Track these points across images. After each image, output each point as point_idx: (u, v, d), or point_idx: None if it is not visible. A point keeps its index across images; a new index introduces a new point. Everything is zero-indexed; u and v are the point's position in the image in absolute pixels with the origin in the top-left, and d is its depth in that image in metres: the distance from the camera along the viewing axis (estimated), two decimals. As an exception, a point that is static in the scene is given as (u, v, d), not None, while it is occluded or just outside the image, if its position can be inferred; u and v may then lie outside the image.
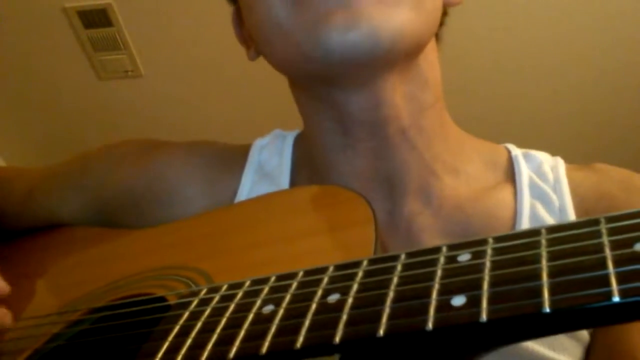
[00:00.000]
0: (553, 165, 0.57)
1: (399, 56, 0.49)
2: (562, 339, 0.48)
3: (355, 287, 0.33)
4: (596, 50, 1.74)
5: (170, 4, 1.72)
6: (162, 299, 0.44)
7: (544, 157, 0.59)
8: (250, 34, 0.58)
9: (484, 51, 1.76)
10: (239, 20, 0.60)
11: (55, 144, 2.06)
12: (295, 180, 0.59)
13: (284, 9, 0.49)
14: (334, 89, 0.52)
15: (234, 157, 0.63)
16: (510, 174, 0.57)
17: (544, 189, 0.55)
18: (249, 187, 0.59)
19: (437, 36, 0.59)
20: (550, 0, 1.67)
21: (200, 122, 1.98)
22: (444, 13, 0.58)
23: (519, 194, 0.54)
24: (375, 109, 0.52)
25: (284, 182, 0.59)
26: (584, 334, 0.50)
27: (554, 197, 0.54)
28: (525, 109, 1.88)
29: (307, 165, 0.60)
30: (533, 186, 0.55)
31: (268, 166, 0.61)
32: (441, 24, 0.58)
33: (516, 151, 0.60)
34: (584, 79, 1.79)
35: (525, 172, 0.56)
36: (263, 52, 0.56)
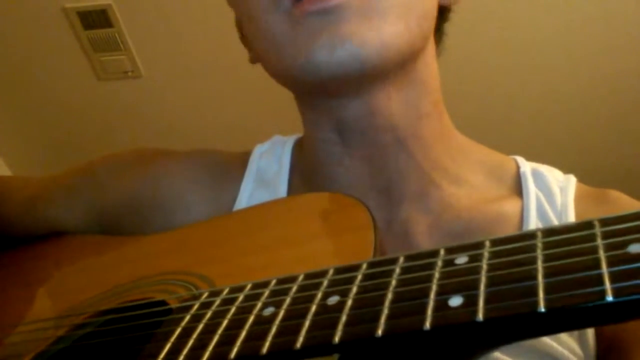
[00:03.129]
0: (563, 187, 0.56)
1: (389, 68, 0.50)
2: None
3: (354, 289, 0.34)
4: (597, 51, 1.74)
5: (170, 4, 1.73)
6: (164, 302, 0.44)
7: (554, 176, 0.57)
8: (248, 40, 0.59)
9: (482, 52, 1.77)
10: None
11: (55, 145, 2.07)
12: (293, 187, 0.60)
13: (280, 25, 0.50)
14: (329, 99, 0.53)
15: (234, 165, 0.64)
16: (517, 189, 0.56)
17: (549, 216, 0.54)
18: (248, 194, 0.60)
19: (437, 40, 0.59)
20: (550, 2, 1.67)
21: (200, 123, 1.98)
22: (447, 11, 0.58)
23: (525, 210, 0.54)
24: (370, 117, 0.53)
25: (282, 189, 0.60)
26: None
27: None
28: (525, 110, 1.88)
29: (305, 172, 0.60)
30: (540, 207, 0.54)
31: (267, 173, 0.62)
32: (438, 28, 0.58)
33: (525, 166, 0.58)
34: (583, 79, 1.80)
35: (532, 191, 0.55)
36: (260, 62, 0.57)
